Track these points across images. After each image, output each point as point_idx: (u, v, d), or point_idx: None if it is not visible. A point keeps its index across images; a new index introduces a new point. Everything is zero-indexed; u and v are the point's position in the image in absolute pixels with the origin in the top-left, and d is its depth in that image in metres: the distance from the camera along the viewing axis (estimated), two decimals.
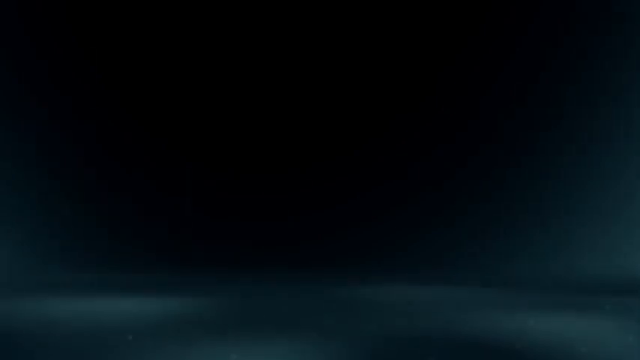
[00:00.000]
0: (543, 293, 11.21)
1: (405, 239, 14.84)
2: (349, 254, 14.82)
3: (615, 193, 14.54)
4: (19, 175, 14.45)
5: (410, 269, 14.76)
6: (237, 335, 8.19)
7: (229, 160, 14.70)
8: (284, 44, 14.62)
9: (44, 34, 14.49)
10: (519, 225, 14.84)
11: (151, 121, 14.66)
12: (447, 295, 11.28)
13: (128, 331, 8.28)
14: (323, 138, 14.75)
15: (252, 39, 14.64)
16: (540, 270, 14.72)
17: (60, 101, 14.59)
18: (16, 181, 14.43)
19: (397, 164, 14.87)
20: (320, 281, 13.01)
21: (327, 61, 14.64)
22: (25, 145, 14.47)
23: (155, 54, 14.60)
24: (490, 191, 14.81)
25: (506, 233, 14.81)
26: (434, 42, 14.56)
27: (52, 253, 14.45)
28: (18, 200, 14.45)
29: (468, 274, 14.45)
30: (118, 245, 14.65)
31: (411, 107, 14.73)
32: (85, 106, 14.62)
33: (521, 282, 12.93)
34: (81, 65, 14.59)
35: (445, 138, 14.85)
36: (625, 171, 14.47)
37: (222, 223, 14.79)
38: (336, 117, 14.74)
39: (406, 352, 7.16)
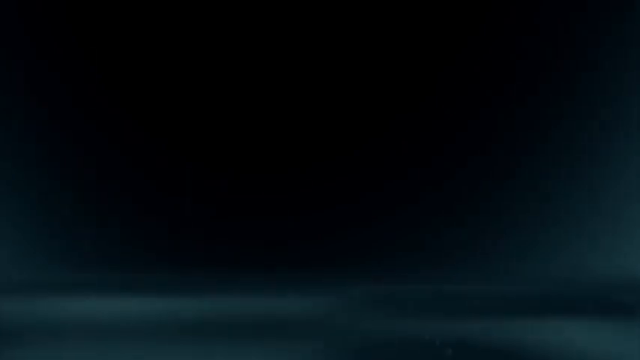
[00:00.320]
0: (543, 293, 11.19)
1: (405, 239, 14.83)
2: (349, 254, 14.81)
3: (616, 193, 14.53)
4: (19, 175, 14.44)
5: (410, 269, 14.75)
6: (237, 335, 8.18)
7: (229, 160, 14.68)
8: (284, 44, 14.61)
9: (44, 34, 14.48)
10: (519, 225, 14.83)
11: (151, 121, 14.65)
12: (446, 296, 11.26)
13: (128, 331, 8.27)
14: (323, 138, 14.74)
15: (252, 39, 14.62)
16: (540, 270, 14.71)
17: (60, 101, 14.59)
18: (16, 181, 14.42)
19: (397, 164, 14.86)
20: (320, 281, 12.99)
21: (327, 61, 14.62)
22: (25, 145, 14.46)
23: (155, 54, 14.58)
24: (490, 191, 14.80)
25: (507, 233, 14.80)
26: (434, 42, 14.55)
27: (52, 253, 14.43)
28: (18, 200, 14.44)
29: (468, 274, 14.43)
30: (118, 245, 14.64)
31: (411, 107, 14.71)
32: (85, 106, 14.61)
33: (522, 282, 12.90)
34: (81, 65, 14.58)
35: (445, 138, 14.84)
36: (625, 171, 14.45)
37: (222, 223, 14.77)
38: (336, 117, 14.73)
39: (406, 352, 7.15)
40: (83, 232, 14.61)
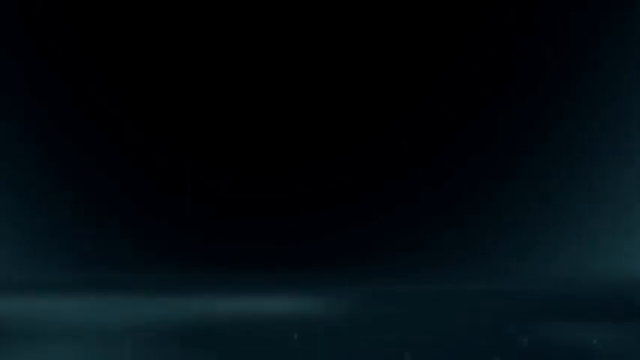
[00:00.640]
0: (543, 293, 11.20)
1: (405, 239, 14.82)
2: (349, 254, 14.81)
3: (616, 193, 14.53)
4: (19, 175, 14.44)
5: (410, 269, 14.75)
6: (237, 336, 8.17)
7: (229, 160, 14.68)
8: (284, 44, 14.61)
9: (44, 34, 14.48)
10: (519, 225, 14.83)
11: (151, 121, 14.64)
12: (446, 296, 11.26)
13: (128, 330, 8.27)
14: (323, 138, 14.73)
15: (252, 39, 14.62)
16: (540, 270, 14.71)
17: (60, 101, 14.58)
18: (16, 181, 14.42)
19: (397, 164, 14.85)
20: (320, 281, 12.99)
21: (327, 61, 14.62)
22: (25, 145, 14.46)
23: (155, 54, 14.58)
24: (490, 191, 14.79)
25: (507, 233, 14.80)
26: (434, 42, 14.54)
27: (52, 253, 14.44)
28: (18, 200, 14.44)
29: (468, 274, 14.43)
30: (118, 245, 14.63)
31: (411, 107, 14.70)
32: (85, 106, 14.61)
33: (522, 282, 12.91)
34: (81, 65, 14.57)
35: (445, 138, 14.84)
36: (626, 171, 14.45)
37: (222, 223, 14.77)
38: (336, 117, 14.72)
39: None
40: (83, 232, 14.62)
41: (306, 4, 14.34)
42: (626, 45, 14.29)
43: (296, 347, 7.33)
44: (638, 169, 14.39)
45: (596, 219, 14.60)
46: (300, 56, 14.62)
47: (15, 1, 14.34)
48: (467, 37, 14.63)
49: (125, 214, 14.64)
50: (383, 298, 10.90)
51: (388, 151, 14.83)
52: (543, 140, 14.73)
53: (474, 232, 14.80)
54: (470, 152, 14.79)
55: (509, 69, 14.62)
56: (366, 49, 14.67)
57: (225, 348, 7.29)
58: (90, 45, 14.55)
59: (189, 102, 14.73)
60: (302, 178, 14.70)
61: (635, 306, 10.05)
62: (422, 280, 13.24)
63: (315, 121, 14.73)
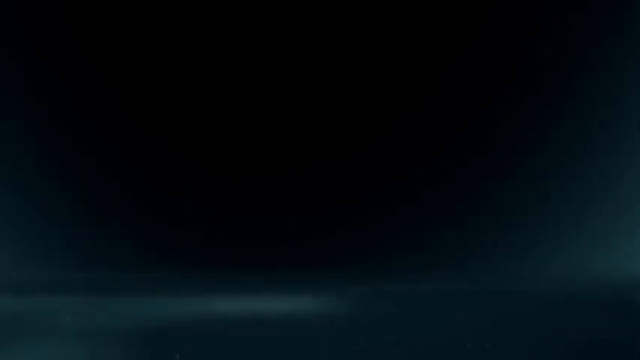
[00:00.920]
0: (543, 293, 11.20)
1: (405, 239, 14.83)
2: (349, 254, 14.81)
3: (616, 194, 14.53)
4: (19, 175, 14.44)
5: (410, 269, 14.75)
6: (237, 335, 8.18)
7: (229, 160, 14.69)
8: (284, 45, 14.61)
9: (44, 34, 14.48)
10: (519, 225, 14.83)
11: (151, 121, 14.65)
12: (446, 295, 11.26)
13: (128, 330, 8.27)
14: (323, 138, 14.74)
15: (252, 39, 14.63)
16: (540, 270, 14.71)
17: (60, 101, 14.58)
18: (16, 181, 14.42)
19: (397, 164, 14.85)
20: (320, 281, 13.00)
21: (327, 62, 14.63)
22: (25, 145, 14.46)
23: (155, 54, 14.59)
24: (490, 191, 14.80)
25: (507, 233, 14.80)
26: (434, 42, 14.55)
27: (52, 253, 14.44)
28: (18, 200, 14.44)
29: (468, 273, 14.44)
30: (118, 245, 14.64)
31: (411, 107, 14.71)
32: (85, 106, 14.61)
33: (522, 282, 12.92)
34: (81, 65, 14.58)
35: (445, 138, 14.84)
36: (626, 171, 14.46)
37: (222, 223, 14.78)
38: (336, 117, 14.73)
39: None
40: (83, 232, 14.62)
41: (306, 5, 14.34)
42: (626, 45, 14.29)
43: (296, 347, 7.33)
44: (638, 169, 14.40)
45: (596, 219, 14.61)
46: (301, 57, 14.63)
47: (15, 1, 14.34)
48: (467, 37, 14.64)
49: (125, 214, 14.64)
50: (383, 298, 10.90)
51: (388, 151, 14.83)
52: (543, 140, 14.74)
53: (473, 232, 14.80)
54: (470, 152, 14.80)
55: (509, 69, 14.62)
56: (366, 49, 14.67)
57: (225, 348, 7.29)
58: (90, 45, 14.56)
59: (189, 102, 14.74)
60: (302, 178, 14.70)
61: (635, 306, 10.06)
62: (422, 280, 13.25)
63: (315, 121, 14.73)
